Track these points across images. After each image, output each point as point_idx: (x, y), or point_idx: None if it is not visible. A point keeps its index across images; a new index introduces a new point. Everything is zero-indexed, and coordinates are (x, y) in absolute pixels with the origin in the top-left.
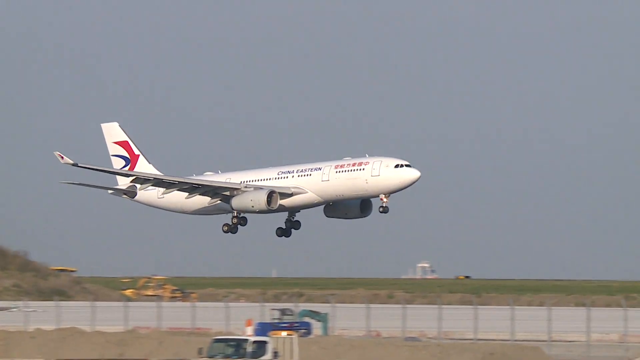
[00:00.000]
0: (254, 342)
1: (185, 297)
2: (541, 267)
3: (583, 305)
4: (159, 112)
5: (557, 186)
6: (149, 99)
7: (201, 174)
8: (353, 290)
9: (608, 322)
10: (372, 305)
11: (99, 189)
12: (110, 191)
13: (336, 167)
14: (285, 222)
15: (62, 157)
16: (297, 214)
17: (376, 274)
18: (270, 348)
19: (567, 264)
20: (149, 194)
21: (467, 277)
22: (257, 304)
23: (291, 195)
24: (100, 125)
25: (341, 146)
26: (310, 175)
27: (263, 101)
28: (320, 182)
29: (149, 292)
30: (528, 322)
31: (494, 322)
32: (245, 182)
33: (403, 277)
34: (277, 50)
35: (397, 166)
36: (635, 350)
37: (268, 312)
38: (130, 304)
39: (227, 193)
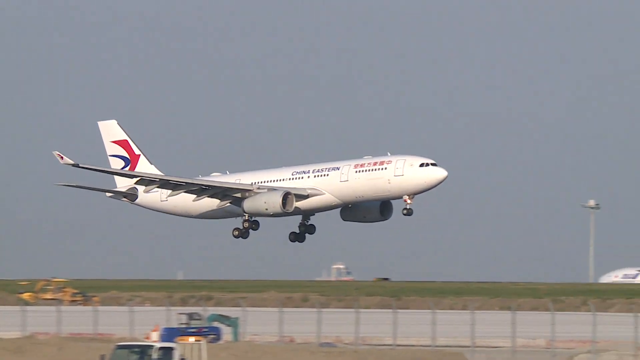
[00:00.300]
0: (160, 348)
1: (86, 301)
2: (464, 268)
3: (508, 308)
4: (160, 108)
5: (482, 185)
6: (149, 94)
7: (208, 174)
8: (265, 293)
9: (534, 327)
10: (285, 309)
11: (97, 192)
12: (108, 194)
13: (356, 166)
14: (299, 226)
15: (62, 157)
16: (311, 217)
17: (289, 276)
18: (177, 355)
19: (491, 265)
20: (152, 196)
21: (385, 279)
22: (163, 308)
23: (307, 197)
24: (97, 124)
25: (358, 144)
26: (327, 175)
27: (273, 96)
28: (338, 183)
29: (48, 296)
30: (450, 326)
31: (415, 326)
32: (257, 184)
33: (317, 279)
34: (288, 42)
35: (422, 165)
36: (562, 356)
37: (175, 316)
38: (28, 308)
39: (239, 195)
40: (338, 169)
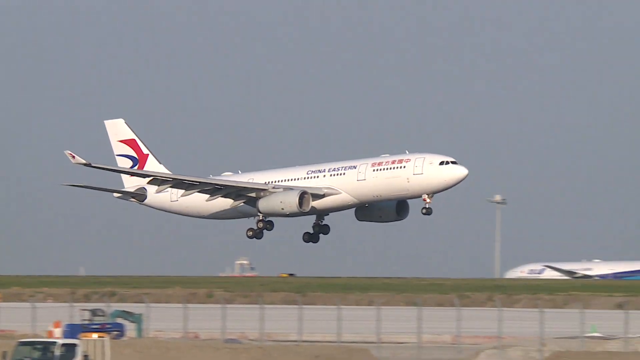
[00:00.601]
0: (63, 345)
1: None
2: (370, 264)
3: (414, 304)
4: (168, 106)
5: None
6: (157, 92)
7: (219, 174)
8: (169, 289)
9: (440, 322)
10: (189, 305)
11: (104, 192)
12: (116, 194)
13: (373, 165)
14: (313, 227)
15: (74, 157)
16: (325, 217)
17: (193, 271)
18: (80, 351)
19: (397, 261)
20: (162, 197)
21: (290, 274)
22: (66, 304)
23: (323, 196)
24: (104, 122)
25: (374, 143)
26: (344, 174)
27: (284, 94)
28: (355, 182)
29: None
30: (356, 322)
31: (320, 322)
32: (272, 183)
33: (221, 274)
34: (303, 37)
35: (442, 163)
36: (468, 352)
37: (78, 312)
38: None
39: (254, 195)
40: (355, 167)
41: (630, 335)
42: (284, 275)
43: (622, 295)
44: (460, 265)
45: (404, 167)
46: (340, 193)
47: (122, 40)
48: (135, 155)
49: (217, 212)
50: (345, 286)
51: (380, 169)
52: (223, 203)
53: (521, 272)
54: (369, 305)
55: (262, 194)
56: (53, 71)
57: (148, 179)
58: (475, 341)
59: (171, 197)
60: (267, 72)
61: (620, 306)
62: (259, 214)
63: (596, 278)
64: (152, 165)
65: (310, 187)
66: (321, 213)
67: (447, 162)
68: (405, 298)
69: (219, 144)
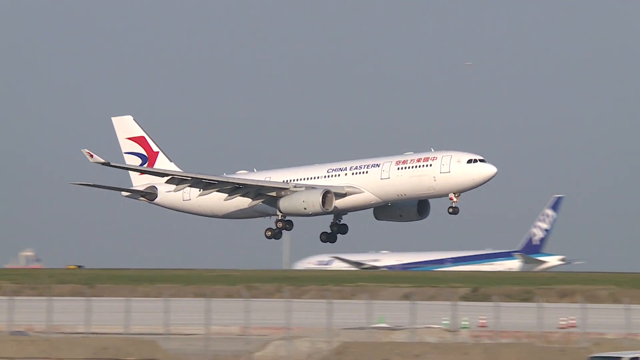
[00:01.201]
0: None
1: None
2: (158, 256)
3: (203, 295)
4: (178, 103)
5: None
6: (166, 88)
7: (232, 172)
8: None
9: (229, 314)
10: None
11: (114, 191)
12: (124, 193)
13: (397, 163)
14: (330, 226)
15: (92, 155)
16: (344, 216)
17: None
18: None
19: (186, 252)
20: (174, 196)
21: (79, 266)
22: None
23: (345, 195)
24: (111, 119)
25: (393, 140)
26: (366, 172)
27: (299, 89)
28: (379, 181)
29: None
30: (145, 314)
31: (108, 314)
32: (293, 182)
33: (6, 266)
34: (318, 32)
35: (470, 161)
36: (257, 343)
37: None
38: None
39: (274, 194)
40: (378, 165)
41: (416, 326)
42: (72, 267)
43: (408, 286)
44: (249, 256)
45: (430, 165)
46: (363, 192)
47: (129, 34)
48: (144, 153)
49: (232, 212)
50: (134, 278)
51: (405, 167)
52: (239, 202)
53: (310, 263)
54: (157, 296)
55: (282, 193)
56: (58, 67)
57: (162, 178)
58: (263, 332)
59: (184, 196)
60: (282, 67)
61: (406, 297)
62: (278, 213)
63: (384, 269)
64: (163, 163)
65: (331, 186)
66: (341, 212)
67: (475, 160)
68: (194, 289)
69: (231, 141)
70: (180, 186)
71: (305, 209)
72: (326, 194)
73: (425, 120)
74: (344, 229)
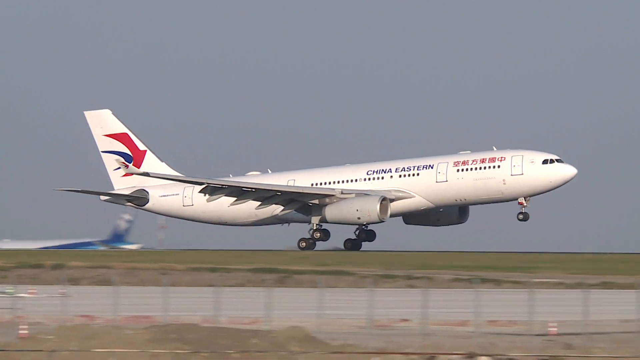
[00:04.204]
0: None
1: None
2: None
3: None
4: (161, 94)
5: None
6: (147, 78)
7: (242, 174)
8: None
9: None
10: None
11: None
12: (103, 198)
13: (456, 164)
14: (357, 233)
15: (127, 166)
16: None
17: None
18: None
19: None
20: (170, 201)
21: None
22: None
23: (392, 200)
24: (84, 114)
25: (430, 137)
26: (417, 174)
27: (311, 74)
28: (433, 184)
29: None
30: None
31: None
32: (339, 188)
33: None
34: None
35: (545, 162)
36: None
37: None
38: None
39: (316, 201)
40: (432, 167)
41: None
42: None
43: None
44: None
45: (498, 166)
46: (413, 197)
47: (102, 13)
48: (128, 152)
49: (244, 219)
50: None
51: (467, 169)
52: (249, 208)
53: None
54: None
55: (327, 200)
56: (17, 52)
57: (155, 180)
58: None
59: (184, 201)
60: (288, 49)
61: None
62: (313, 222)
63: None
64: (153, 164)
65: (378, 191)
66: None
67: (552, 160)
68: None
69: (231, 136)
70: (214, 196)
71: (359, 218)
72: (383, 202)
73: (455, 116)
74: (371, 236)
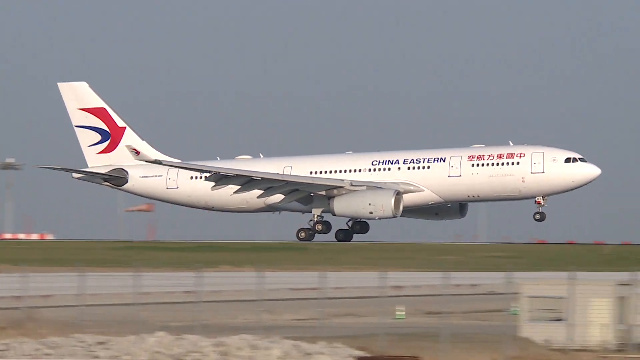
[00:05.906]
0: None
1: None
2: None
3: None
4: (146, 68)
5: None
6: (128, 49)
7: (231, 158)
8: None
9: None
10: None
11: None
12: (76, 175)
13: (470, 158)
14: (350, 224)
15: (138, 153)
16: None
17: None
18: None
19: None
20: (153, 182)
21: None
22: None
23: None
24: (58, 85)
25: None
26: (428, 167)
27: (305, 44)
28: (445, 178)
29: None
30: None
31: None
32: (347, 179)
33: None
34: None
35: (568, 160)
36: None
37: None
38: None
39: (323, 192)
40: (443, 160)
41: None
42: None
43: None
44: None
45: (518, 163)
46: (423, 190)
47: None
48: (106, 129)
49: (232, 205)
50: None
51: (483, 164)
52: (245, 195)
53: None
54: None
55: (335, 192)
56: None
57: (167, 168)
58: None
59: (168, 183)
60: (282, 19)
61: None
62: (314, 213)
63: None
64: (133, 142)
65: (385, 183)
66: None
67: (575, 159)
68: None
69: (217, 116)
70: (219, 185)
71: (371, 212)
72: (397, 196)
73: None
74: (365, 227)
